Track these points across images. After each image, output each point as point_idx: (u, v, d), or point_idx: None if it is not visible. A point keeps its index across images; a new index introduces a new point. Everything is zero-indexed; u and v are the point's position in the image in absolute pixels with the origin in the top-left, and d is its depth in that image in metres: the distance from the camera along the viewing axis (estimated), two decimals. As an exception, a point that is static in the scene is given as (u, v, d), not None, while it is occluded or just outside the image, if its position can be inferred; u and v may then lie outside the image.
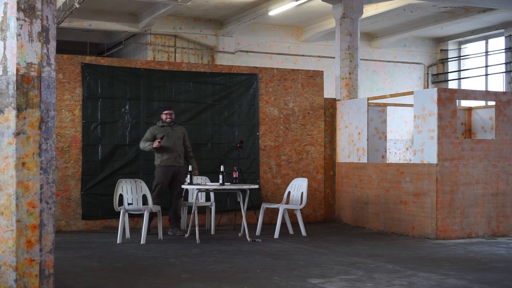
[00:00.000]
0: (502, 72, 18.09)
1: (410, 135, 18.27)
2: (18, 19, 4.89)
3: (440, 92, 9.25)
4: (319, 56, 18.30)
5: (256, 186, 9.47)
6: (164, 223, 9.62)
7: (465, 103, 16.75)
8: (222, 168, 8.98)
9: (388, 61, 19.44)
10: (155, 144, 9.11)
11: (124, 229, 8.75)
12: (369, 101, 10.91)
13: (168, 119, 9.36)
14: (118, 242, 8.50)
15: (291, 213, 10.16)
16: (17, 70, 4.89)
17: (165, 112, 9.41)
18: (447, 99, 9.27)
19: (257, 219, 9.92)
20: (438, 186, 9.17)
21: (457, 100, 9.68)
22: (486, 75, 18.78)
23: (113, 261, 7.14)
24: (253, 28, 17.58)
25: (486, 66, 18.85)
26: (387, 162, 12.27)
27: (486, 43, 18.97)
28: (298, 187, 9.58)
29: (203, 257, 7.37)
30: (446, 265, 7.03)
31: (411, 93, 9.94)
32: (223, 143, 10.75)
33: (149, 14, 15.73)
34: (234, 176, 9.21)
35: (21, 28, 4.90)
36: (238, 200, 9.09)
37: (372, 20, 16.75)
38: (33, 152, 4.94)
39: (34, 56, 4.95)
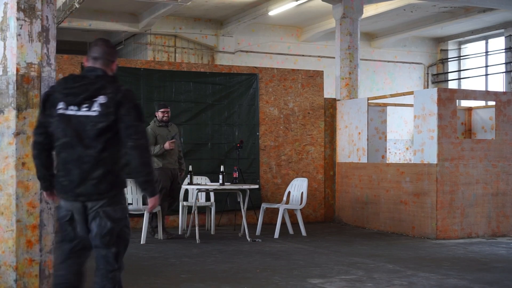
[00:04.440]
0: (502, 72, 18.08)
1: (410, 135, 18.26)
2: (18, 19, 4.88)
3: (440, 92, 9.25)
4: (319, 56, 18.29)
5: (256, 186, 9.47)
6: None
7: (465, 103, 16.73)
8: (222, 168, 8.97)
9: (388, 61, 19.43)
10: (167, 145, 8.66)
11: (124, 229, 8.72)
12: (369, 101, 10.91)
13: (165, 118, 8.92)
14: (118, 242, 8.48)
15: (291, 213, 10.15)
16: (17, 70, 4.88)
17: (162, 110, 8.92)
18: (447, 99, 9.27)
19: (257, 219, 9.91)
20: (438, 186, 9.17)
21: (457, 100, 9.68)
22: (486, 75, 18.77)
23: (113, 261, 7.13)
24: (253, 28, 17.57)
25: (486, 66, 18.84)
26: (387, 162, 12.27)
27: (486, 43, 18.96)
28: (298, 187, 9.58)
29: (203, 257, 7.37)
30: (446, 265, 7.03)
31: (411, 93, 9.95)
32: (223, 143, 10.74)
33: (149, 14, 15.72)
34: (234, 176, 9.20)
35: (21, 28, 4.89)
36: (238, 200, 9.09)
37: (372, 20, 16.73)
38: (33, 152, 4.93)
39: (34, 56, 4.94)
